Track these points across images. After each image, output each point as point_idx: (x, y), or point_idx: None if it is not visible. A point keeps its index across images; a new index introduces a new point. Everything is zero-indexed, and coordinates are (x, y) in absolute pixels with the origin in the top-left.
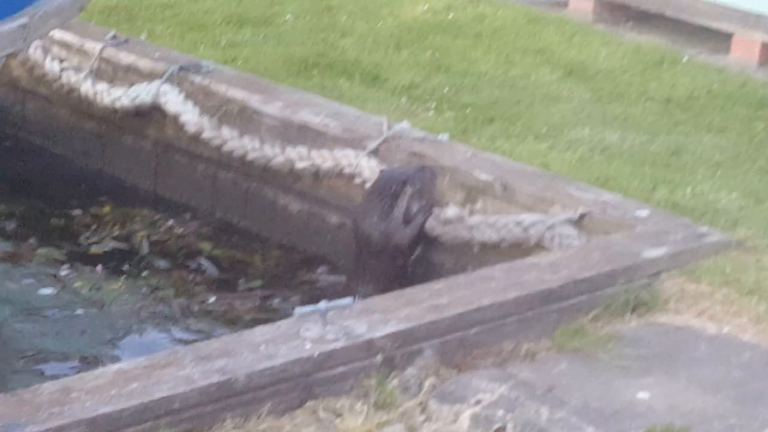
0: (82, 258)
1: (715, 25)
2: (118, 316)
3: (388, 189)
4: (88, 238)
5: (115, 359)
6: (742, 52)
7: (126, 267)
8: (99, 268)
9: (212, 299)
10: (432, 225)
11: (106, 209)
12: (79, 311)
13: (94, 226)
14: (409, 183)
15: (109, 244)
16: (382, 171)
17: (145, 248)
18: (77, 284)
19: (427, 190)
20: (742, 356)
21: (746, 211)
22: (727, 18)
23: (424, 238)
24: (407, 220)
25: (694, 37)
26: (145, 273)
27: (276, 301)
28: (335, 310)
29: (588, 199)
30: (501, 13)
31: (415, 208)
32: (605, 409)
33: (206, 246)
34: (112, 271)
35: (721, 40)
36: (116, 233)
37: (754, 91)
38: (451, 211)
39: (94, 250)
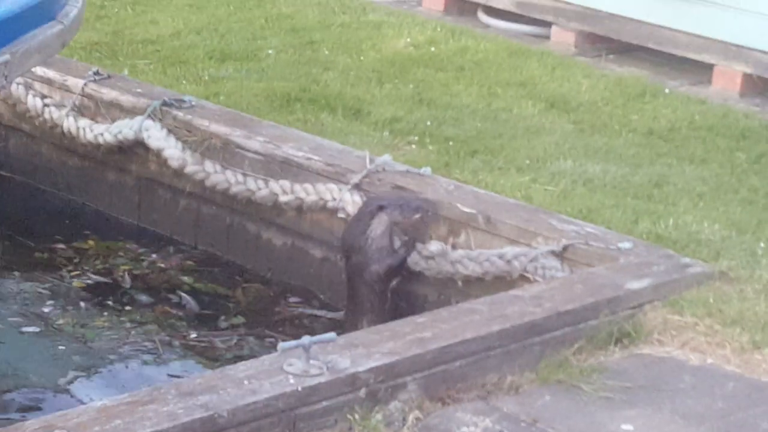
0: (66, 293)
1: (696, 56)
2: (101, 353)
3: (365, 209)
4: (70, 272)
5: (98, 396)
6: (724, 83)
7: (109, 302)
8: (82, 304)
9: (194, 335)
10: (415, 260)
11: (90, 243)
12: (62, 347)
13: (76, 260)
14: (387, 210)
15: (91, 278)
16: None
17: (127, 282)
18: (61, 321)
19: (415, 223)
20: (726, 387)
21: (729, 242)
22: (708, 49)
23: (406, 272)
24: (391, 249)
25: (675, 69)
26: (127, 308)
27: (259, 336)
28: (318, 344)
29: (571, 231)
30: (483, 46)
31: (397, 241)
32: None
33: (188, 280)
34: (96, 306)
35: (702, 71)
36: (98, 267)
37: (735, 122)
38: (433, 245)
39: (77, 283)
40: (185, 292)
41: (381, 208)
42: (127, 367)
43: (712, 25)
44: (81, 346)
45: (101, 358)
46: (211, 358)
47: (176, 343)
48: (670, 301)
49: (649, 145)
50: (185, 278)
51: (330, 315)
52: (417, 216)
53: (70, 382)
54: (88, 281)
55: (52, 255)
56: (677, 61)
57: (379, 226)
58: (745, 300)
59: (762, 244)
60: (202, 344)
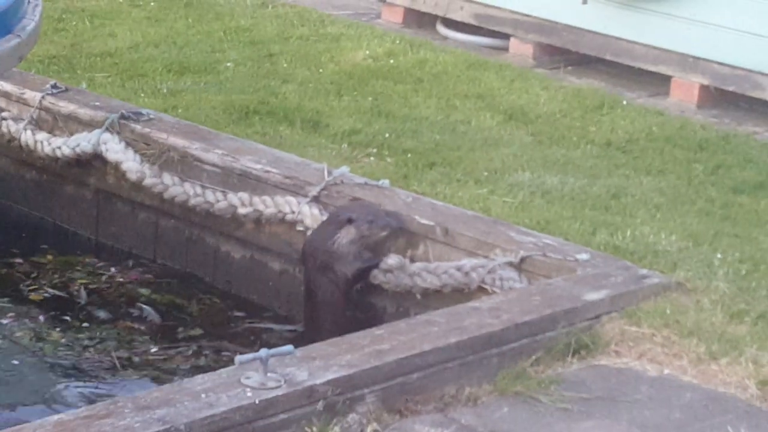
0: (24, 307)
1: (653, 68)
2: (58, 367)
3: (334, 218)
4: (28, 286)
5: (55, 411)
6: (681, 95)
7: (67, 316)
8: (41, 318)
9: (153, 349)
10: (374, 273)
11: (48, 258)
12: (16, 361)
13: (34, 275)
14: (356, 223)
15: (49, 292)
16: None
17: (83, 296)
18: (18, 334)
19: (381, 239)
20: (683, 398)
21: (686, 253)
22: (665, 61)
23: (364, 284)
24: (358, 255)
25: (633, 81)
26: (85, 323)
27: (217, 349)
28: (276, 357)
29: (529, 242)
30: (442, 58)
31: (366, 253)
32: None
33: (146, 293)
34: (54, 321)
35: (660, 83)
36: (56, 281)
37: (693, 134)
38: (392, 259)
39: (34, 296)
40: (145, 304)
41: (350, 220)
42: (84, 381)
43: (670, 37)
44: (38, 361)
45: (58, 372)
46: (168, 371)
47: (134, 358)
48: (628, 312)
49: (606, 157)
50: (143, 291)
51: (288, 327)
52: (384, 233)
53: (27, 396)
54: (46, 295)
55: (9, 269)
56: (635, 72)
57: (346, 236)
58: (701, 311)
59: (719, 255)
60: (160, 358)
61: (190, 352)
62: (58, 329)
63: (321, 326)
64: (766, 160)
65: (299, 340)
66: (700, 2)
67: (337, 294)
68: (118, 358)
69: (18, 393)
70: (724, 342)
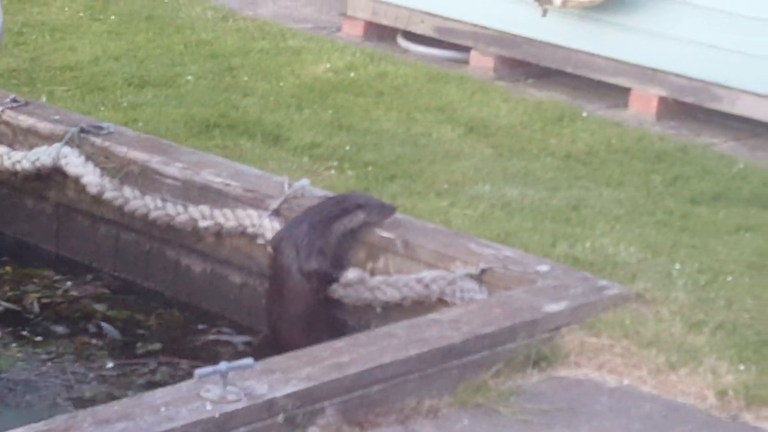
0: None
1: (613, 80)
2: (14, 383)
3: (341, 203)
4: None
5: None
6: (640, 107)
7: (25, 331)
8: None
9: (110, 364)
10: (333, 287)
11: (7, 269)
12: None
13: None
14: (365, 209)
15: (2, 305)
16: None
17: (35, 310)
18: None
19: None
20: (642, 408)
21: (644, 264)
22: (624, 73)
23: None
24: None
25: (593, 93)
26: (41, 337)
27: (176, 364)
28: (236, 370)
29: (489, 254)
30: (402, 71)
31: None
32: None
33: (102, 308)
34: (9, 336)
35: (619, 95)
36: (9, 294)
37: (651, 145)
38: (351, 273)
39: None
40: (102, 321)
41: (360, 206)
42: (40, 397)
43: (628, 49)
44: None
45: (12, 388)
46: (127, 386)
47: (92, 373)
48: (587, 323)
49: (566, 169)
50: (99, 306)
51: (249, 341)
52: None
53: None
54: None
55: None
56: (595, 85)
57: (350, 224)
58: (660, 321)
59: (677, 266)
60: (118, 373)
61: (148, 368)
62: (14, 344)
63: (290, 321)
64: (724, 171)
65: (259, 353)
66: (659, 15)
67: (312, 288)
68: (73, 373)
69: None
70: (683, 352)
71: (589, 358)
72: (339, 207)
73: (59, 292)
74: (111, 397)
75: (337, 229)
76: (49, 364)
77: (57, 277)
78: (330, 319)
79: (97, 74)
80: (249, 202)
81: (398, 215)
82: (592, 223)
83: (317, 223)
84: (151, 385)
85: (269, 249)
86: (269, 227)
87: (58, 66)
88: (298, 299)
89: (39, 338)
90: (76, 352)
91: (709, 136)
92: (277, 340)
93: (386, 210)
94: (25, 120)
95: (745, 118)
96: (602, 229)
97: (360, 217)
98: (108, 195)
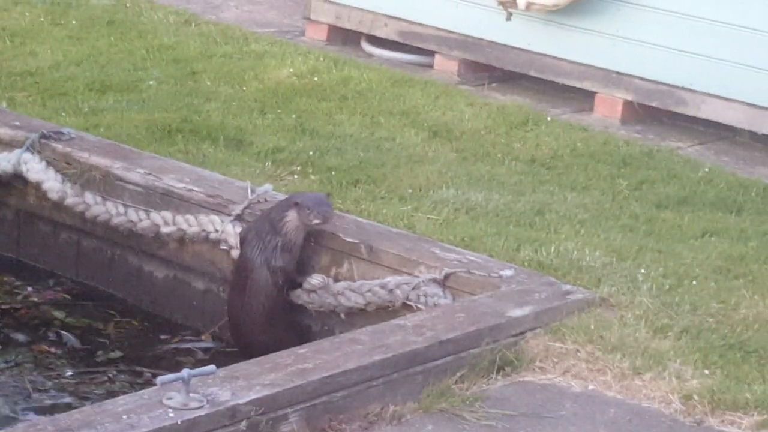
0: None
1: (578, 84)
2: None
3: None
4: None
5: None
6: (605, 111)
7: None
8: None
9: (70, 372)
10: (297, 293)
11: None
12: None
13: None
14: (301, 207)
15: None
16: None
17: None
18: None
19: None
20: (607, 413)
21: (609, 269)
22: (589, 77)
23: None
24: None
25: (557, 97)
26: (0, 345)
27: (137, 371)
28: (198, 377)
29: (453, 259)
30: (366, 75)
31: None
32: None
33: (60, 315)
34: None
35: (584, 98)
36: None
37: (616, 149)
38: (315, 279)
39: None
40: (61, 328)
41: (295, 204)
42: None
43: (593, 53)
44: None
45: None
46: (86, 395)
47: (51, 382)
48: (552, 328)
49: (531, 173)
50: (57, 313)
51: (211, 345)
52: (316, 221)
53: None
54: None
55: None
56: (559, 89)
57: (286, 221)
58: (625, 326)
59: (642, 270)
60: (77, 381)
61: (108, 375)
62: None
63: (251, 314)
64: (690, 175)
65: (222, 360)
66: (623, 18)
67: (275, 283)
68: (32, 381)
69: None
70: (647, 357)
71: (554, 363)
72: (284, 204)
73: (19, 297)
74: (70, 407)
75: (282, 227)
76: (6, 372)
77: (17, 283)
78: (290, 319)
79: (58, 79)
80: (212, 208)
81: (362, 219)
82: (557, 228)
83: (274, 219)
84: (111, 394)
85: (236, 246)
86: (232, 233)
87: (18, 71)
88: (262, 293)
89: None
90: (35, 360)
91: (675, 140)
92: (237, 334)
93: (311, 214)
94: None
95: (711, 122)
96: (567, 234)
97: (293, 215)
98: (69, 201)
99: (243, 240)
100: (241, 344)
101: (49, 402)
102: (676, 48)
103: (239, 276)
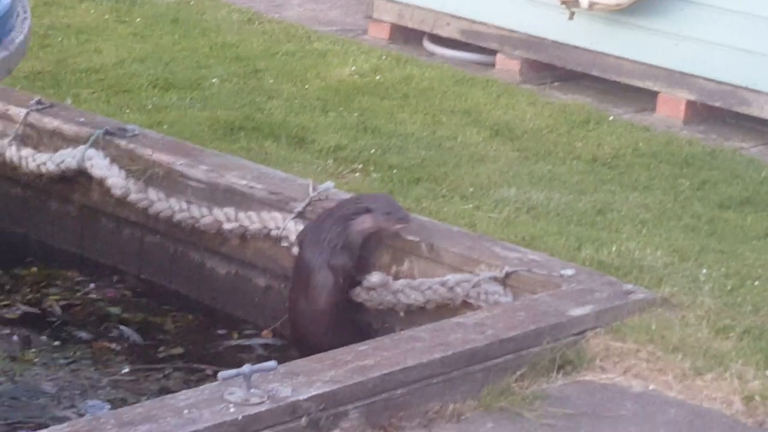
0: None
1: (640, 83)
2: (29, 388)
3: (351, 204)
4: (1, 301)
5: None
6: (668, 111)
7: (44, 335)
8: (15, 338)
9: (132, 367)
10: (356, 291)
11: (32, 270)
12: None
13: (8, 287)
14: (373, 214)
15: (21, 308)
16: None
17: (57, 312)
18: None
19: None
20: (668, 413)
21: (671, 269)
22: (652, 77)
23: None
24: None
25: (619, 96)
26: (60, 341)
27: (197, 368)
28: (259, 372)
29: (514, 258)
30: (428, 74)
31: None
32: None
33: (123, 312)
34: (29, 340)
35: (646, 98)
36: (29, 297)
37: (679, 149)
38: (375, 276)
39: (8, 315)
40: (122, 324)
41: (368, 210)
42: (55, 401)
43: (656, 53)
44: (7, 380)
45: (30, 394)
46: (142, 392)
47: (112, 377)
48: (613, 327)
49: (592, 172)
50: (117, 310)
51: (271, 343)
52: (398, 226)
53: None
54: (18, 311)
55: None
56: (621, 88)
57: (360, 225)
58: (687, 326)
59: (704, 271)
60: (132, 379)
61: (164, 372)
62: (33, 349)
63: (312, 317)
64: (752, 176)
65: (282, 357)
66: (686, 18)
67: (336, 283)
68: (88, 378)
69: None
70: (709, 357)
71: (615, 363)
72: (352, 207)
73: (78, 294)
74: (125, 403)
75: (352, 229)
76: (65, 368)
77: (80, 279)
78: (352, 318)
79: (122, 77)
80: (273, 205)
81: (423, 218)
82: (618, 227)
83: (339, 219)
84: (166, 391)
85: (295, 245)
86: (293, 230)
87: (83, 68)
88: (324, 294)
89: (57, 342)
90: (93, 356)
91: (738, 141)
92: (298, 337)
93: (392, 218)
94: (50, 122)
95: None
96: (628, 233)
97: (368, 220)
98: (133, 197)
99: (302, 239)
100: (301, 343)
101: (111, 396)
102: (740, 47)
103: (299, 275)
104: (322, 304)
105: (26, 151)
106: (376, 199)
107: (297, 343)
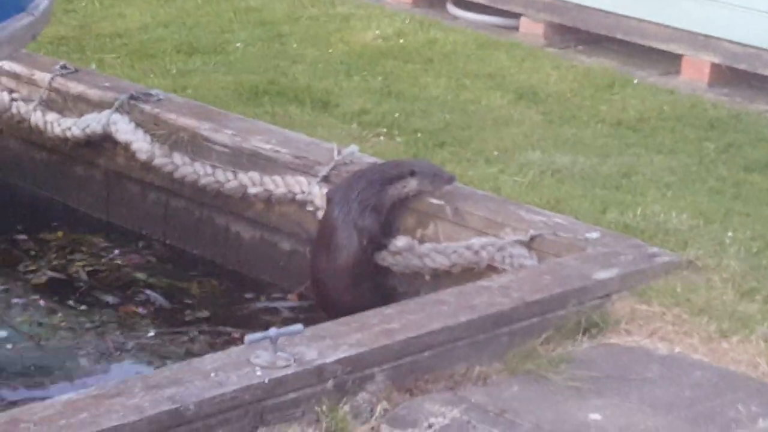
0: (24, 289)
1: (664, 46)
2: (55, 352)
3: (395, 168)
4: (26, 266)
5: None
6: (692, 74)
7: (70, 300)
8: (41, 302)
9: (157, 331)
10: (382, 255)
11: (59, 235)
12: (10, 345)
13: (33, 252)
14: (418, 176)
15: (47, 274)
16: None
17: (83, 278)
18: (19, 319)
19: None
20: (693, 376)
21: (696, 232)
22: (676, 40)
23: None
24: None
25: (644, 59)
26: (86, 306)
27: (226, 329)
28: (285, 336)
29: (539, 221)
30: (452, 38)
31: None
32: (557, 431)
33: (149, 277)
34: (55, 304)
35: (671, 61)
36: (55, 263)
37: (703, 112)
38: (401, 241)
39: (34, 280)
40: (147, 288)
41: (413, 173)
42: (85, 367)
43: (680, 16)
44: (34, 345)
45: (56, 357)
46: (166, 356)
47: (140, 340)
48: (638, 290)
49: (617, 136)
50: (140, 274)
51: (297, 306)
52: (447, 187)
53: (24, 381)
54: (44, 277)
55: (11, 247)
56: (645, 51)
57: (403, 189)
58: (712, 289)
59: (729, 234)
60: (158, 342)
61: (189, 336)
62: (59, 313)
63: (335, 274)
64: None
65: (308, 320)
66: None
67: (359, 243)
68: (114, 341)
69: (16, 378)
70: (734, 320)
71: (640, 326)
72: (395, 171)
73: (103, 260)
74: (154, 365)
75: (391, 192)
76: (91, 332)
77: (105, 245)
78: (373, 280)
79: (146, 41)
80: (298, 169)
81: None
82: (643, 191)
83: (375, 181)
84: (191, 355)
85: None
86: (318, 194)
87: (107, 33)
88: (346, 252)
89: (84, 307)
90: (119, 321)
91: (763, 103)
92: (317, 292)
93: (439, 180)
94: (75, 87)
95: None
96: (653, 197)
97: (412, 184)
98: (158, 162)
99: (330, 200)
100: (324, 303)
101: (138, 359)
102: (765, 10)
103: (323, 235)
104: (342, 262)
105: (51, 116)
106: (420, 162)
107: (319, 300)
